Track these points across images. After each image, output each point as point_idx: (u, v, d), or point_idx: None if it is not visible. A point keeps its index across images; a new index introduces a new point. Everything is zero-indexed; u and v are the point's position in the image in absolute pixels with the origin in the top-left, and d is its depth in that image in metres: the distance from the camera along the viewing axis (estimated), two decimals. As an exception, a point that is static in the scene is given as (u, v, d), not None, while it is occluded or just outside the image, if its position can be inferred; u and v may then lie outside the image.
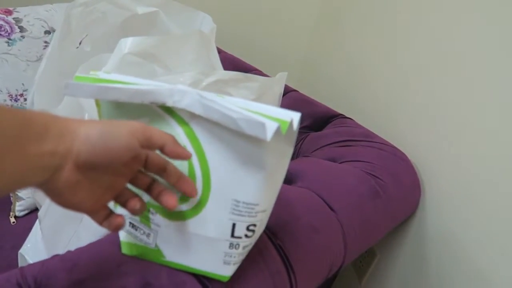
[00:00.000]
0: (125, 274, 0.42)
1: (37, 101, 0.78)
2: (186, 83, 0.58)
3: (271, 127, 0.32)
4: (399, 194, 0.67)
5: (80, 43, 0.81)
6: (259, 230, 0.42)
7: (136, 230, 0.44)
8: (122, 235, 0.45)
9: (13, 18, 0.99)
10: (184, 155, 0.36)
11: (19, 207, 0.88)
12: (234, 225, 0.39)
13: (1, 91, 0.96)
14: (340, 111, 0.87)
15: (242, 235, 0.39)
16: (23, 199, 0.88)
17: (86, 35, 0.81)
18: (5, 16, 0.98)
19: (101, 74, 0.40)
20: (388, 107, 0.85)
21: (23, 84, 0.99)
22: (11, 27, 0.97)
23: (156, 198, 0.37)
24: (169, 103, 0.37)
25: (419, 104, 0.75)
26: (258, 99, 0.65)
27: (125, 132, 0.33)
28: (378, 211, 0.63)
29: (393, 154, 0.72)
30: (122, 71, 0.59)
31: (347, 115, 0.86)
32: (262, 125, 0.32)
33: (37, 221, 0.69)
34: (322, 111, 0.87)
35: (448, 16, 0.68)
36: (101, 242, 0.46)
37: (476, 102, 0.62)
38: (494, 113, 0.59)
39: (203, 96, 0.36)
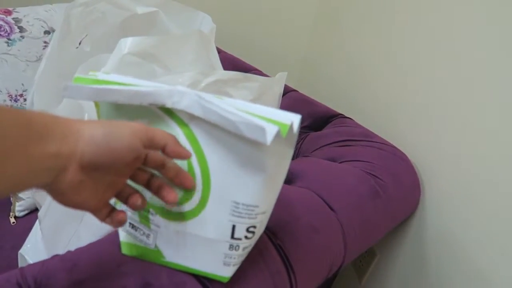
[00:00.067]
0: (125, 274, 0.42)
1: (37, 101, 0.78)
2: (185, 83, 0.58)
3: (271, 131, 0.32)
4: (399, 194, 0.67)
5: (79, 43, 0.81)
6: (259, 231, 0.42)
7: (136, 230, 0.44)
8: (122, 235, 0.45)
9: (13, 18, 0.99)
10: (184, 155, 0.36)
11: (19, 207, 0.88)
12: (234, 226, 0.39)
13: (1, 92, 0.96)
14: (340, 111, 0.87)
15: (242, 237, 0.39)
16: (23, 199, 0.88)
17: (86, 35, 0.81)
18: (4, 16, 0.98)
19: (100, 75, 0.40)
20: (388, 107, 0.85)
21: (22, 84, 0.99)
22: (10, 27, 0.97)
23: (156, 193, 0.38)
24: (168, 104, 0.37)
25: (419, 104, 0.75)
26: (257, 99, 0.65)
27: (128, 132, 0.33)
28: (378, 211, 0.63)
29: (393, 154, 0.72)
30: (122, 71, 0.59)
31: (347, 115, 0.86)
32: (262, 129, 0.32)
33: (37, 221, 0.69)
34: (322, 111, 0.87)
35: (448, 16, 0.68)
36: (101, 242, 0.46)
37: (476, 102, 0.62)
38: (494, 113, 0.59)
39: (202, 98, 0.36)
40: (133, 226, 0.44)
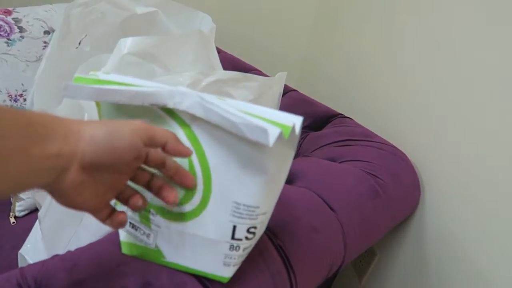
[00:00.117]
0: (125, 274, 0.42)
1: (37, 101, 0.78)
2: (185, 83, 0.58)
3: (273, 133, 0.32)
4: (399, 194, 0.67)
5: (79, 43, 0.81)
6: (260, 232, 0.42)
7: (136, 230, 0.44)
8: (122, 235, 0.45)
9: (13, 18, 0.99)
10: (185, 152, 0.36)
11: (19, 207, 0.88)
12: (234, 227, 0.39)
13: (1, 92, 0.96)
14: (340, 111, 0.87)
15: (243, 237, 0.39)
16: (23, 200, 0.88)
17: (86, 35, 0.81)
18: (4, 16, 0.98)
19: (101, 75, 0.40)
20: (388, 107, 0.85)
21: (22, 85, 0.99)
22: (10, 27, 0.97)
23: (157, 193, 0.38)
24: (170, 105, 0.37)
25: (419, 104, 0.75)
26: (257, 98, 0.65)
27: (128, 131, 0.33)
28: (378, 210, 0.63)
29: (393, 153, 0.72)
30: (122, 71, 0.59)
31: (347, 115, 0.86)
32: (265, 131, 0.32)
33: (37, 221, 0.69)
34: (321, 111, 0.87)
35: (448, 16, 0.68)
36: (101, 242, 0.46)
37: (476, 102, 0.62)
38: (494, 113, 0.59)
39: (203, 99, 0.36)
40: (133, 226, 0.44)
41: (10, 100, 0.97)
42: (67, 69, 0.69)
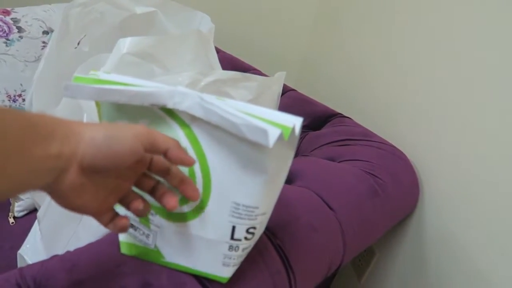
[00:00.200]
0: (125, 274, 0.42)
1: (36, 102, 0.78)
2: (184, 83, 0.58)
3: (273, 134, 0.32)
4: (398, 193, 0.67)
5: (78, 44, 0.81)
6: (259, 232, 0.42)
7: (135, 230, 0.44)
8: (121, 235, 0.45)
9: (11, 19, 0.98)
10: (187, 161, 0.35)
11: (18, 208, 0.88)
12: (234, 227, 0.39)
13: (0, 92, 0.96)
14: (339, 111, 0.87)
15: (242, 238, 0.39)
16: (22, 200, 0.88)
17: (85, 35, 0.81)
18: (3, 16, 0.97)
19: (101, 75, 0.40)
20: (388, 107, 0.85)
21: (21, 85, 0.99)
22: (9, 27, 0.97)
23: (159, 199, 0.37)
24: (170, 105, 0.37)
25: (418, 104, 0.75)
26: (256, 98, 0.65)
27: (129, 135, 0.32)
28: (377, 210, 0.63)
29: (392, 153, 0.72)
30: (121, 71, 0.59)
31: (346, 115, 0.86)
32: (265, 131, 0.32)
33: (36, 222, 0.69)
34: (320, 110, 0.87)
35: (448, 16, 0.68)
36: (101, 242, 0.46)
37: (476, 102, 0.62)
38: (494, 113, 0.59)
39: (203, 99, 0.36)
40: (132, 226, 0.44)
41: (9, 100, 0.97)
42: (66, 69, 0.68)
